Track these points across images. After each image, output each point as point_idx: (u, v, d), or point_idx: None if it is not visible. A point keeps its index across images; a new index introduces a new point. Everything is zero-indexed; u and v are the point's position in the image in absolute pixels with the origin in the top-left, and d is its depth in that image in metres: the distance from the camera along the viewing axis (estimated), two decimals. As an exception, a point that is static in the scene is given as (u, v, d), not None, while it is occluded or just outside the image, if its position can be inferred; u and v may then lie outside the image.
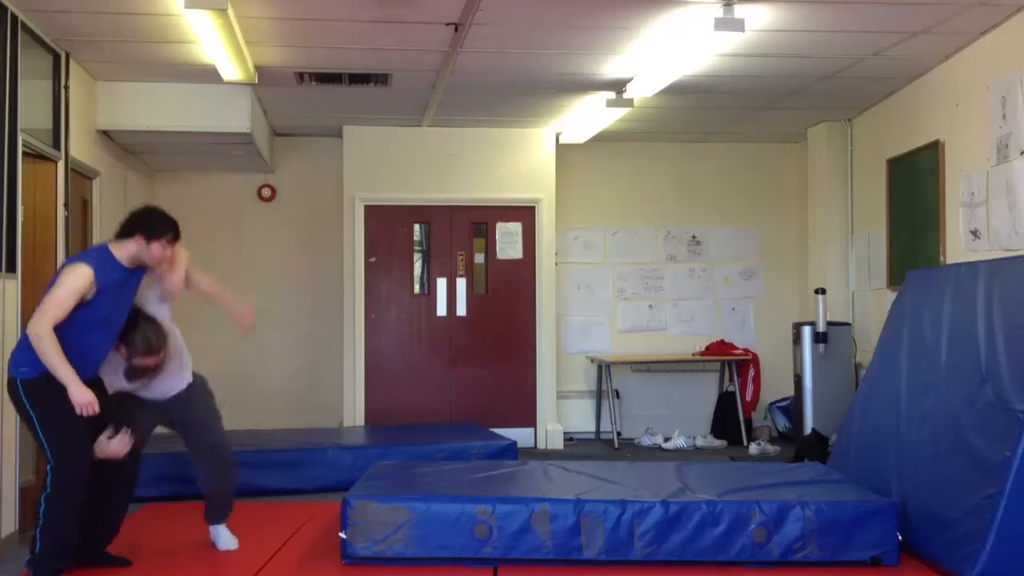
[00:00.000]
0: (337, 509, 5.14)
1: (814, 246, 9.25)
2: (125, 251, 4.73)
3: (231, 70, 6.60)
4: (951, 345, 5.29)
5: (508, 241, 9.43)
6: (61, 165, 6.34)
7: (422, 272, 9.39)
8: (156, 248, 4.77)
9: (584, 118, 8.55)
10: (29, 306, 5.85)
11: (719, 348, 9.75)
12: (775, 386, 9.64)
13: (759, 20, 5.87)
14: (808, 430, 8.14)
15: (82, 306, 4.51)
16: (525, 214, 9.39)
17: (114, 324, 4.71)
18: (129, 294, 4.81)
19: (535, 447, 9.24)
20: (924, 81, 7.29)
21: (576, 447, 9.27)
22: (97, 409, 4.49)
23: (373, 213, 9.18)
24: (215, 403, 5.27)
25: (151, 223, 4.80)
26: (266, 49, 6.56)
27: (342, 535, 4.87)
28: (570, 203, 9.73)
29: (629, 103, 7.68)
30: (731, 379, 9.58)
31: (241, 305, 5.17)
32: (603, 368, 9.49)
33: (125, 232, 4.77)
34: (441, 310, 9.28)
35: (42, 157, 6.11)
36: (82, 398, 4.43)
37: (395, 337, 9.19)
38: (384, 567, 4.82)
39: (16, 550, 5.37)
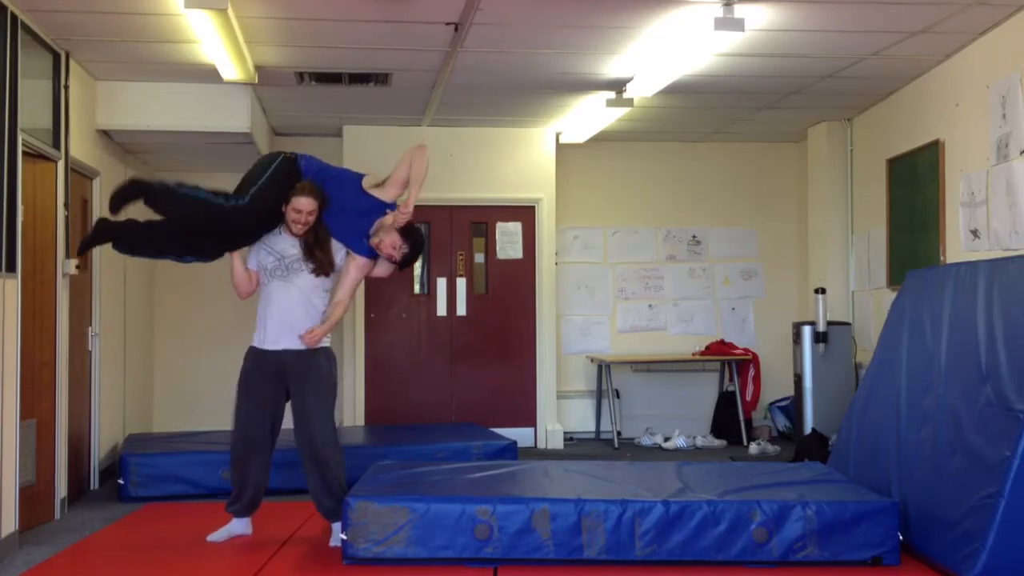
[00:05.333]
0: (337, 509, 5.14)
1: (814, 246, 9.25)
2: None
3: (231, 70, 6.60)
4: (951, 345, 5.29)
5: (508, 241, 9.43)
6: (61, 165, 6.34)
7: (422, 272, 9.38)
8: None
9: (584, 118, 8.55)
10: (29, 306, 5.86)
11: (719, 348, 9.75)
12: (775, 386, 9.65)
13: (759, 20, 5.87)
14: (808, 430, 8.14)
15: None
16: (525, 214, 9.40)
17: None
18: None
19: (535, 447, 9.24)
20: (924, 81, 7.29)
21: (576, 447, 9.27)
22: None
23: (373, 213, 9.17)
24: (333, 393, 5.28)
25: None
26: (266, 49, 6.56)
27: (343, 536, 4.87)
28: (570, 203, 9.73)
29: (629, 103, 7.68)
30: (731, 379, 9.58)
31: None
32: (603, 368, 9.49)
33: None
34: (441, 310, 9.28)
35: (42, 157, 6.10)
36: None
37: (395, 337, 9.19)
38: (385, 567, 4.82)
39: (16, 550, 5.36)
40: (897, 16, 5.94)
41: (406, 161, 5.23)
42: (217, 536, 5.33)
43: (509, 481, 5.54)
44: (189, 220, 5.14)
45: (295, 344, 5.15)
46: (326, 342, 5.24)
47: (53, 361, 6.24)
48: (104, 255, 7.43)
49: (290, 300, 5.16)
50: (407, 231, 5.14)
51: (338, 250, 5.23)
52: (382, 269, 5.31)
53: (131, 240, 5.24)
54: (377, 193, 5.19)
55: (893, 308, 6.15)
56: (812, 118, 8.91)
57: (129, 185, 5.18)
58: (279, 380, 5.19)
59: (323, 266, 5.16)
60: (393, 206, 5.20)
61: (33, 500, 5.93)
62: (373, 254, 5.22)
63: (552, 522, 4.83)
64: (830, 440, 7.65)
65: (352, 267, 5.24)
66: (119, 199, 5.13)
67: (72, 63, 6.59)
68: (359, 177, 5.26)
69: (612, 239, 9.95)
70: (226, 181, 9.29)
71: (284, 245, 5.19)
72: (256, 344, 5.25)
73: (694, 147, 9.99)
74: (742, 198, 10.04)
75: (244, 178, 5.24)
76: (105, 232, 5.26)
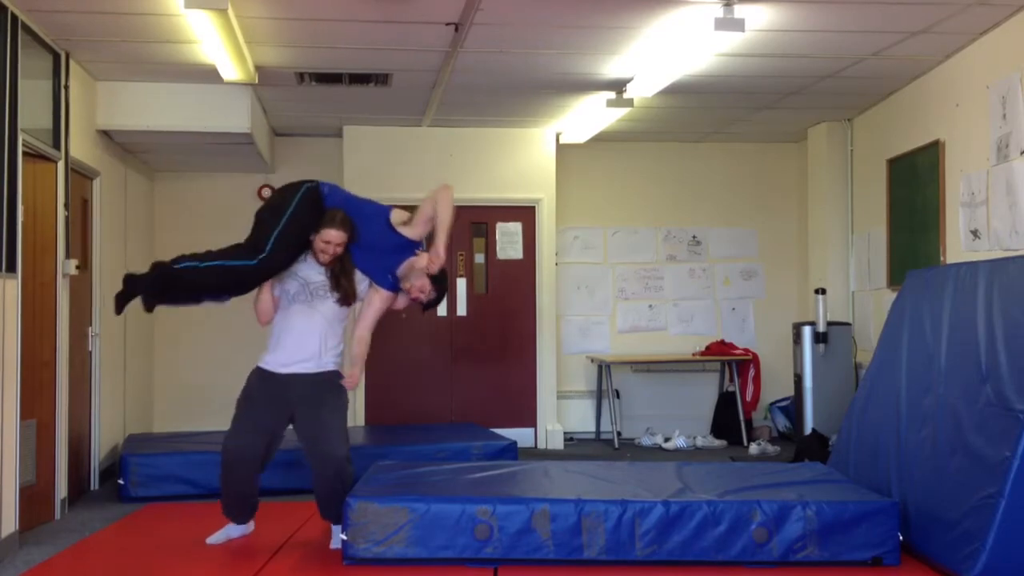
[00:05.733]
0: (337, 509, 5.14)
1: (814, 246, 9.25)
2: None
3: (231, 70, 6.60)
4: (951, 345, 5.29)
5: (508, 241, 9.43)
6: (61, 165, 6.34)
7: (422, 272, 9.37)
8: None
9: (584, 118, 8.55)
10: (29, 306, 5.86)
11: (719, 348, 9.75)
12: (775, 386, 9.65)
13: (759, 20, 5.87)
14: (808, 430, 8.14)
15: None
16: (525, 214, 9.40)
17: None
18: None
19: (535, 447, 9.23)
20: (924, 81, 7.29)
21: (576, 447, 9.27)
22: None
23: (373, 213, 9.17)
24: (345, 411, 5.26)
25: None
26: (266, 49, 6.56)
27: (343, 536, 4.86)
28: (570, 203, 9.73)
29: (629, 103, 7.68)
30: (731, 379, 9.58)
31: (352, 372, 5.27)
32: (603, 368, 9.49)
33: None
34: (441, 310, 9.26)
35: (42, 157, 6.10)
36: None
37: (395, 337, 9.18)
38: (385, 567, 4.82)
39: (16, 550, 5.36)
40: (897, 16, 5.94)
41: (431, 200, 5.17)
42: (216, 539, 5.32)
43: (509, 481, 5.54)
44: (220, 286, 5.08)
45: (307, 368, 5.11)
46: (334, 365, 5.20)
47: (53, 361, 6.24)
48: (104, 255, 7.43)
49: (310, 326, 5.11)
50: (437, 277, 5.12)
51: (360, 280, 5.20)
52: (401, 302, 5.28)
53: (163, 289, 5.08)
54: (404, 230, 5.12)
55: (893, 308, 6.15)
56: (812, 118, 8.91)
57: (132, 283, 5.08)
58: (284, 405, 5.12)
59: (349, 296, 5.14)
60: (421, 244, 5.16)
61: (33, 500, 5.93)
62: (397, 288, 5.18)
63: (552, 522, 4.83)
64: (830, 440, 7.65)
65: (376, 299, 5.20)
66: (122, 300, 5.09)
67: (72, 63, 6.59)
68: (387, 212, 5.18)
69: (612, 239, 9.95)
70: (226, 181, 9.42)
71: (309, 272, 5.15)
72: (266, 366, 5.17)
73: (694, 147, 9.99)
74: (742, 198, 10.04)
75: (263, 215, 5.14)
76: (134, 284, 5.10)
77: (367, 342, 5.26)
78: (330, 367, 5.16)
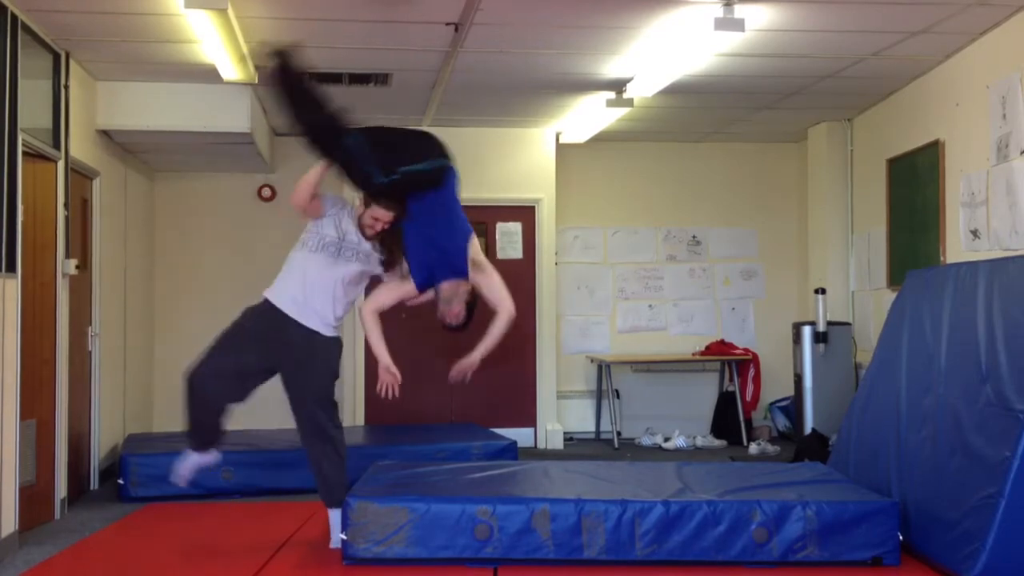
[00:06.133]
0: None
1: (814, 246, 9.25)
2: None
3: (231, 70, 6.60)
4: (951, 345, 5.29)
5: (508, 241, 9.43)
6: (61, 165, 6.34)
7: (422, 272, 9.37)
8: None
9: (584, 118, 8.55)
10: (29, 306, 5.86)
11: (719, 348, 9.75)
12: (775, 386, 9.65)
13: (759, 20, 5.87)
14: (808, 430, 8.14)
15: None
16: (525, 214, 9.40)
17: None
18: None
19: (535, 447, 9.24)
20: (924, 81, 7.29)
21: (576, 447, 9.27)
22: None
23: (373, 213, 9.17)
24: (333, 377, 5.15)
25: None
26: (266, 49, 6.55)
27: (342, 536, 4.87)
28: (570, 203, 9.73)
29: (629, 103, 7.68)
30: (731, 379, 9.58)
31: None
32: (603, 368, 9.49)
33: None
34: (441, 310, 9.27)
35: (42, 157, 6.10)
36: None
37: (395, 337, 9.15)
38: (384, 567, 4.82)
39: (16, 550, 5.36)
40: (897, 16, 5.94)
41: (497, 290, 5.16)
42: (180, 467, 5.23)
43: (509, 481, 5.54)
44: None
45: (308, 322, 4.98)
46: (333, 332, 5.10)
47: (53, 361, 6.24)
48: (104, 255, 7.43)
49: (325, 280, 4.99)
50: (471, 309, 5.08)
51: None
52: (417, 300, 5.18)
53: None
54: (471, 264, 5.04)
55: (893, 308, 6.15)
56: (812, 118, 8.91)
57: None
58: (273, 348, 4.99)
59: (394, 261, 5.06)
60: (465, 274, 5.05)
61: (33, 500, 5.93)
62: (424, 289, 5.07)
63: (552, 522, 4.83)
64: (830, 440, 7.65)
65: (395, 285, 5.10)
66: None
67: (72, 63, 6.59)
68: (469, 233, 5.07)
69: (612, 239, 9.95)
70: (226, 181, 9.42)
71: (351, 229, 5.06)
72: (276, 302, 5.00)
73: (694, 147, 9.99)
74: (742, 198, 10.04)
75: (398, 142, 5.12)
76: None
77: (373, 325, 5.07)
78: (330, 332, 5.06)
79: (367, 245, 5.08)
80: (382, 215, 4.95)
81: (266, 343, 5.01)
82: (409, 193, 4.94)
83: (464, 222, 5.08)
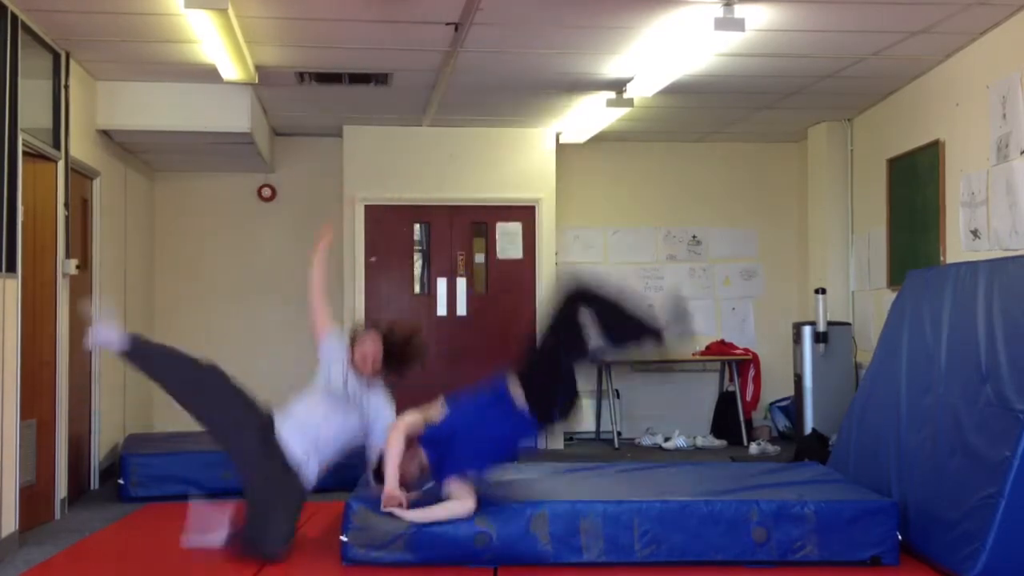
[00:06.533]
0: (337, 509, 5.13)
1: (814, 246, 9.25)
2: None
3: (231, 70, 6.60)
4: (951, 345, 5.29)
5: (508, 241, 9.43)
6: (61, 165, 6.34)
7: (422, 272, 9.39)
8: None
9: (584, 118, 8.55)
10: (29, 306, 5.86)
11: (719, 348, 9.75)
12: (775, 386, 9.64)
13: (759, 20, 5.87)
14: (808, 430, 8.14)
15: None
16: (525, 214, 9.39)
17: None
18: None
19: (535, 447, 9.23)
20: (924, 81, 7.29)
21: (576, 447, 9.28)
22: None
23: (373, 213, 9.18)
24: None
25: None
26: (266, 49, 6.56)
27: (343, 538, 4.85)
28: (570, 203, 9.73)
29: (629, 103, 7.68)
30: (731, 379, 9.58)
31: None
32: (603, 368, 9.49)
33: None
34: (441, 310, 9.28)
35: (42, 157, 6.11)
36: None
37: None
38: (384, 568, 4.81)
39: (16, 550, 5.36)
40: (897, 16, 5.94)
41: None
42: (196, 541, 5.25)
43: (507, 484, 5.53)
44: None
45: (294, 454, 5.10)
46: (312, 478, 5.17)
47: (53, 361, 6.24)
48: (104, 255, 7.44)
49: (331, 427, 5.20)
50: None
51: (386, 406, 5.34)
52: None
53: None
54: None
55: (893, 308, 6.15)
56: (812, 118, 8.91)
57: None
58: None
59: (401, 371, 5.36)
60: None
61: (33, 500, 5.93)
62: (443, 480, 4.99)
63: (551, 524, 4.81)
64: (830, 440, 7.64)
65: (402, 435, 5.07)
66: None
67: (72, 63, 6.59)
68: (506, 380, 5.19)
69: (612, 239, 9.95)
70: (226, 181, 9.42)
71: (354, 383, 5.29)
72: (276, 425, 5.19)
73: (694, 147, 9.99)
74: (742, 198, 10.04)
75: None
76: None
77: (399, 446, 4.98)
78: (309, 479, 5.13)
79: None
80: (369, 350, 5.23)
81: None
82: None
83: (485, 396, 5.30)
